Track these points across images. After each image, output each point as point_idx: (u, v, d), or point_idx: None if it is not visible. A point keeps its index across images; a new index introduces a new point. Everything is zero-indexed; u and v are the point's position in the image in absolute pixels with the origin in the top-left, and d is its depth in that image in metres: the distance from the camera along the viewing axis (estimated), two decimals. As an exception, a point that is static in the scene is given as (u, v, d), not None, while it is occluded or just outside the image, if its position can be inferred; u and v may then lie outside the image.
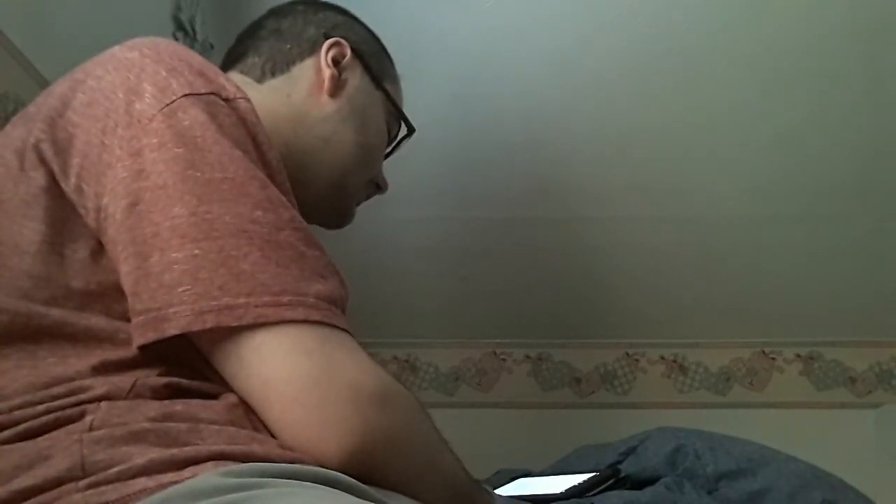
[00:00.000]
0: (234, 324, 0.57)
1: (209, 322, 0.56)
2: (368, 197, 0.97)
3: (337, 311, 0.61)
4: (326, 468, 0.55)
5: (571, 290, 1.58)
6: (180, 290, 0.57)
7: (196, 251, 0.57)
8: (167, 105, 0.60)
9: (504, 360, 1.67)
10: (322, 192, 0.87)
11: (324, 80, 0.86)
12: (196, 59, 0.66)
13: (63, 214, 0.61)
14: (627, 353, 1.67)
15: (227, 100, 0.63)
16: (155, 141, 0.59)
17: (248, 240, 0.58)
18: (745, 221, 1.47)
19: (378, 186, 0.96)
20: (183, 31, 0.88)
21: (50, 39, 1.06)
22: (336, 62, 0.87)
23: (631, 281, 1.56)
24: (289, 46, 0.88)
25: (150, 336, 0.57)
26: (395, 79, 0.95)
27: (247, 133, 0.63)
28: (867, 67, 1.30)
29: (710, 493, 0.85)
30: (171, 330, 0.57)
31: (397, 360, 1.68)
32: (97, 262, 0.61)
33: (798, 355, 1.64)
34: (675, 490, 0.84)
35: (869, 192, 1.43)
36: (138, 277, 0.58)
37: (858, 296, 1.56)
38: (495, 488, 0.94)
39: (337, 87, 0.86)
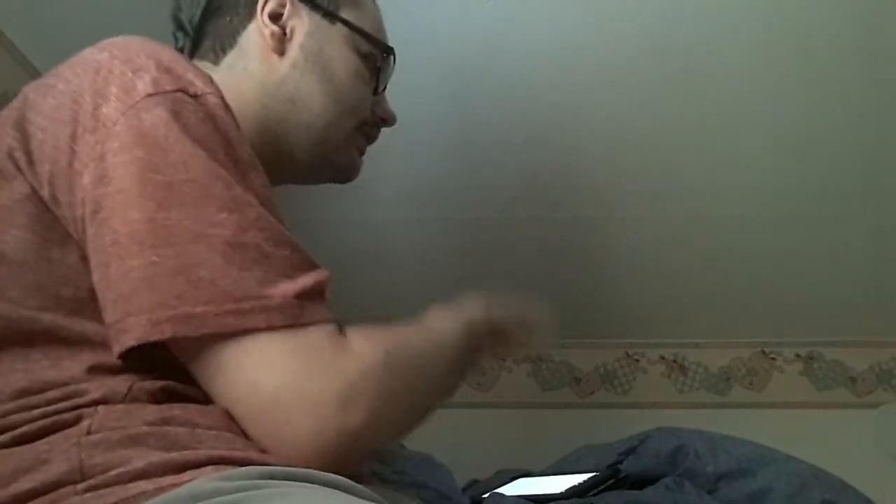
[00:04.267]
0: (193, 334, 0.55)
1: (166, 332, 0.55)
2: (374, 137, 0.91)
3: (309, 304, 0.60)
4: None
5: (571, 289, 1.58)
6: (139, 298, 0.55)
7: (154, 258, 0.56)
8: (130, 107, 0.59)
9: (504, 360, 1.67)
10: (311, 153, 0.84)
11: (269, 41, 0.81)
12: (167, 54, 0.63)
13: (48, 220, 0.60)
14: (627, 353, 1.67)
15: (194, 96, 0.61)
16: (117, 145, 0.58)
17: (209, 245, 0.56)
18: (745, 221, 1.47)
19: (383, 120, 0.90)
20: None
21: (49, 39, 1.06)
22: (276, 16, 0.82)
23: (631, 281, 1.56)
24: (228, 19, 0.84)
25: (116, 348, 0.56)
26: (356, 2, 0.87)
27: (215, 129, 0.61)
28: (868, 67, 1.30)
29: (710, 493, 0.85)
30: (129, 341, 0.55)
31: (397, 360, 1.68)
32: (87, 268, 0.60)
33: (798, 355, 1.64)
34: (675, 490, 0.84)
35: (869, 193, 1.43)
36: (102, 288, 0.58)
37: (858, 296, 1.56)
38: (495, 488, 0.94)
39: (283, 42, 0.82)
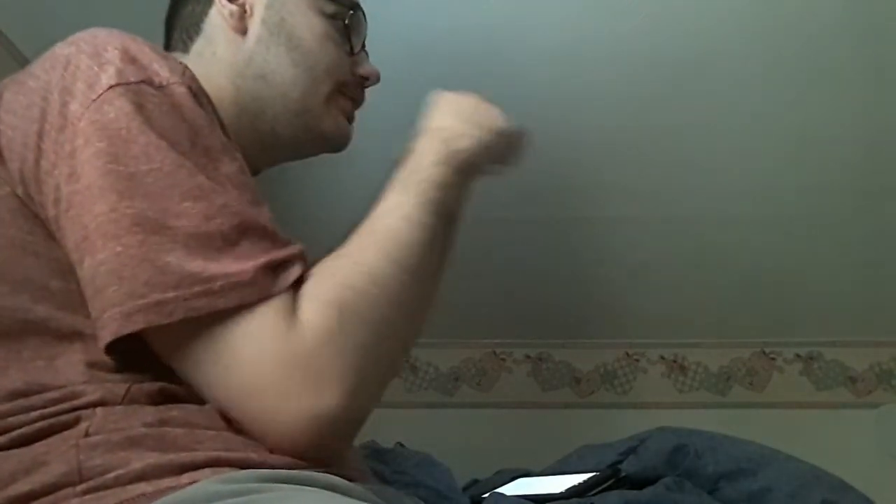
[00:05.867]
0: (166, 321, 0.55)
1: (139, 322, 0.54)
2: (360, 99, 0.89)
3: (283, 272, 0.59)
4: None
5: (571, 290, 1.58)
6: (110, 291, 0.55)
7: (118, 248, 0.55)
8: (93, 101, 0.58)
9: (504, 360, 1.67)
10: (293, 125, 0.83)
11: (230, 21, 0.81)
12: (134, 44, 0.63)
13: (30, 215, 0.60)
14: (627, 353, 1.67)
15: (159, 87, 0.60)
16: (82, 140, 0.58)
17: (172, 236, 0.56)
18: (744, 221, 1.47)
19: (364, 79, 0.87)
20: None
21: (50, 39, 1.06)
22: None
23: (631, 281, 1.56)
24: (191, 7, 0.84)
25: (100, 345, 0.56)
26: None
27: (180, 120, 0.60)
28: (868, 67, 1.30)
29: (710, 493, 0.85)
30: (107, 337, 0.55)
31: (397, 360, 1.68)
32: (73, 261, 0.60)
33: (798, 355, 1.64)
34: (675, 490, 0.84)
35: (869, 192, 1.43)
36: (83, 287, 0.57)
37: (858, 296, 1.56)
38: (495, 488, 0.94)
39: (244, 20, 0.81)
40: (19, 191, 0.60)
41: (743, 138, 1.38)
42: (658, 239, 1.50)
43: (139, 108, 0.59)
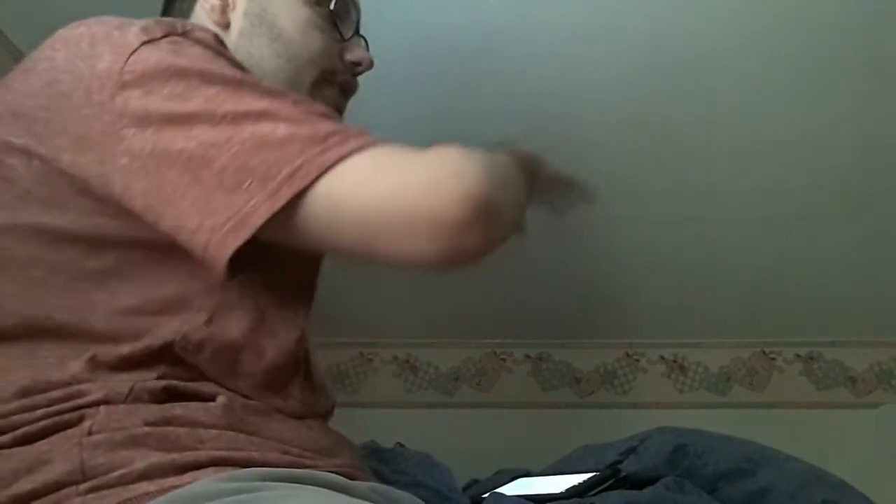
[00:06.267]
0: (306, 183, 0.57)
1: (284, 195, 0.57)
2: (352, 87, 0.88)
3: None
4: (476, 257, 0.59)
5: (571, 290, 1.58)
6: (245, 186, 0.57)
7: (234, 149, 0.58)
8: (132, 53, 0.60)
9: (504, 360, 1.67)
10: None
11: (214, 16, 0.81)
12: (140, 20, 0.66)
13: (59, 196, 0.61)
14: (627, 353, 1.67)
15: (183, 33, 0.64)
16: (138, 91, 0.59)
17: (274, 117, 0.59)
18: (745, 221, 1.47)
19: (355, 65, 0.86)
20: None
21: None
22: None
23: (631, 281, 1.56)
24: (178, 4, 0.84)
25: (235, 241, 0.57)
26: None
27: (215, 54, 0.64)
28: (868, 67, 1.30)
29: (710, 493, 0.85)
30: (257, 220, 0.57)
31: (397, 360, 1.68)
32: (92, 254, 0.61)
33: (798, 355, 1.64)
34: (675, 490, 0.84)
35: (869, 192, 1.43)
36: (194, 201, 0.58)
37: (858, 296, 1.56)
38: (495, 488, 0.94)
39: (227, 13, 0.81)
40: (64, 161, 0.60)
41: (743, 138, 1.38)
42: (658, 239, 1.50)
43: (176, 53, 0.62)
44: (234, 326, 0.64)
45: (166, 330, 0.61)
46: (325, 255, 0.74)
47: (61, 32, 0.65)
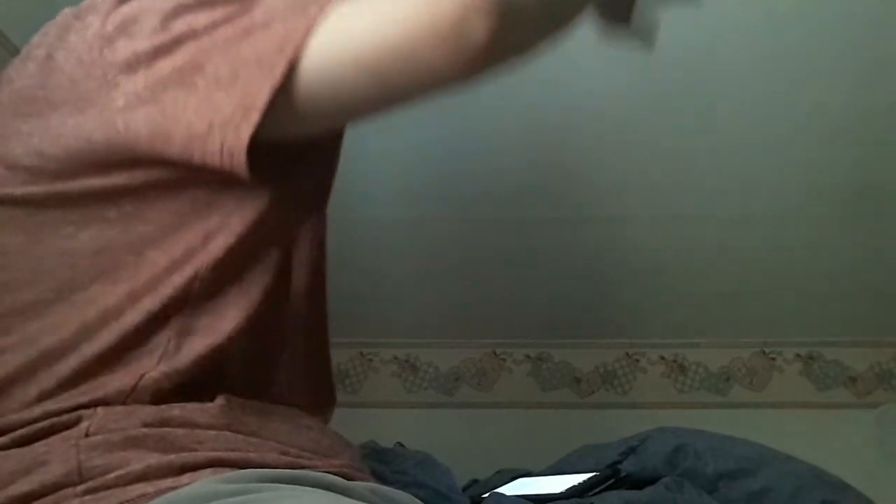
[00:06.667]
0: (295, 48, 0.57)
1: (279, 67, 0.56)
2: None
3: None
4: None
5: (571, 290, 1.58)
6: (241, 76, 0.57)
7: (221, 47, 0.58)
8: (111, 12, 0.61)
9: (504, 360, 1.67)
10: None
11: None
12: None
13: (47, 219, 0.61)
14: (627, 353, 1.67)
15: None
16: (122, 41, 0.60)
17: (267, 17, 0.59)
18: (745, 221, 1.47)
19: None
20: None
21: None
22: None
23: (631, 281, 1.56)
24: None
25: (248, 129, 0.56)
26: None
27: None
28: (868, 67, 1.30)
29: (710, 493, 0.85)
30: (261, 101, 0.56)
31: (397, 360, 1.68)
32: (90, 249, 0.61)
33: (798, 355, 1.64)
34: (675, 490, 0.84)
35: (869, 192, 1.43)
36: (197, 108, 0.58)
37: (858, 296, 1.56)
38: (495, 488, 0.94)
39: None
40: (69, 127, 0.60)
41: (743, 138, 1.38)
42: (658, 239, 1.50)
43: None
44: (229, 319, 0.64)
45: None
46: (344, 121, 0.71)
47: (48, 23, 0.66)
